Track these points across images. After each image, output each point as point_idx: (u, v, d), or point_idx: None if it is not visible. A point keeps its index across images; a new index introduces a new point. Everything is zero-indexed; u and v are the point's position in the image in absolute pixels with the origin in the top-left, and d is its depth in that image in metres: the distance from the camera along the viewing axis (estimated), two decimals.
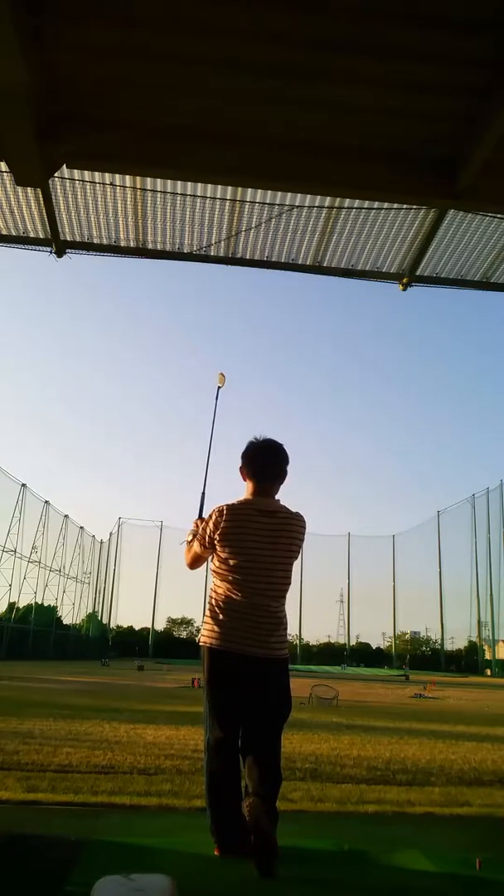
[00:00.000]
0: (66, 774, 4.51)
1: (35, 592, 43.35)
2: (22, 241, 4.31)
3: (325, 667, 51.58)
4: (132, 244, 4.34)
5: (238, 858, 2.73)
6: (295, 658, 62.99)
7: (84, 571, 56.56)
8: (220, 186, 3.82)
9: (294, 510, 3.12)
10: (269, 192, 3.83)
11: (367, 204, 3.91)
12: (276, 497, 3.13)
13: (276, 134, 3.30)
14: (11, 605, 40.37)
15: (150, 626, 68.89)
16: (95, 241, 4.32)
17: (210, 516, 3.07)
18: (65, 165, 3.45)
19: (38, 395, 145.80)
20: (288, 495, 3.18)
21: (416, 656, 64.23)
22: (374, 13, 2.58)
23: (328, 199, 3.88)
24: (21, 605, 42.13)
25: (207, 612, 3.07)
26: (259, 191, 3.85)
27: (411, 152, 3.39)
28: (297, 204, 3.91)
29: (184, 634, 70.78)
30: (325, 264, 4.41)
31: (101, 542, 62.12)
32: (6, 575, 38.52)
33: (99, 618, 62.54)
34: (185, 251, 4.34)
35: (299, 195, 3.83)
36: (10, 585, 38.99)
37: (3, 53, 2.53)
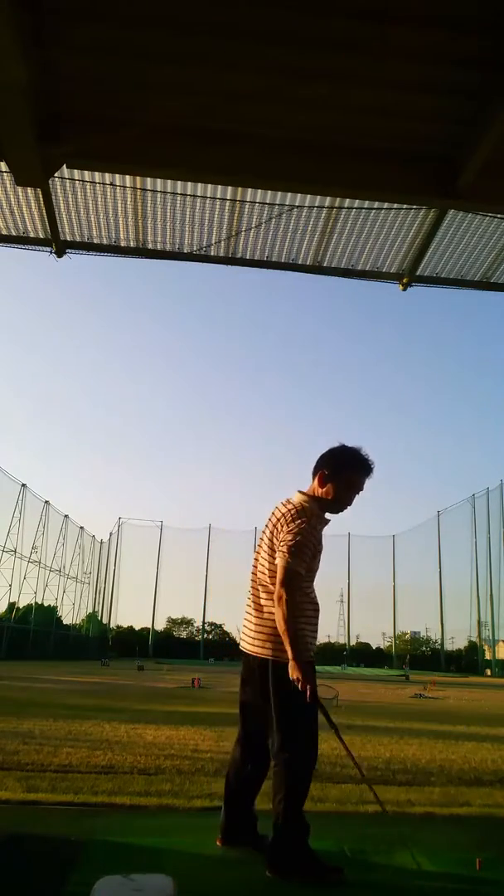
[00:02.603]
0: (66, 774, 4.51)
1: (35, 592, 43.34)
2: (22, 241, 4.31)
3: (325, 667, 51.53)
4: (132, 244, 4.34)
5: (238, 853, 2.75)
6: None
7: (84, 571, 56.55)
8: (220, 186, 3.82)
9: (298, 499, 2.98)
10: (269, 192, 3.83)
11: (367, 204, 3.91)
12: (303, 489, 3.05)
13: (276, 134, 3.30)
14: (11, 605, 40.36)
15: (150, 626, 68.90)
16: (95, 241, 4.32)
17: None
18: (65, 165, 3.45)
19: (38, 395, 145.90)
20: (287, 494, 3.20)
21: (416, 656, 64.15)
22: (374, 13, 2.58)
23: (328, 199, 3.88)
24: (21, 605, 42.12)
25: None
26: (259, 191, 3.85)
27: (411, 152, 3.39)
28: (297, 204, 3.91)
29: (184, 634, 70.76)
30: (325, 264, 4.41)
31: (101, 542, 62.12)
32: (6, 575, 38.52)
33: (99, 618, 62.52)
34: (185, 251, 4.34)
35: (299, 195, 3.83)
36: (10, 585, 38.98)
37: (3, 53, 2.53)
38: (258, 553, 3.04)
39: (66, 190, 3.92)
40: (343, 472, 2.95)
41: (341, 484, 2.95)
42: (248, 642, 2.91)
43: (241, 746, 3.01)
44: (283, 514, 2.91)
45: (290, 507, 2.93)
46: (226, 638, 66.50)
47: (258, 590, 2.94)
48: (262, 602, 2.90)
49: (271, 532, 2.96)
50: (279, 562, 2.74)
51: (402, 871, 2.87)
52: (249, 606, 2.97)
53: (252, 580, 3.00)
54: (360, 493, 3.03)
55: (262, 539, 3.05)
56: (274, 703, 2.78)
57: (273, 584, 2.82)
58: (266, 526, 3.04)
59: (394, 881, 2.77)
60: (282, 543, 2.78)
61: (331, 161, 3.37)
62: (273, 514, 3.02)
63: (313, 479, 3.02)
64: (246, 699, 2.98)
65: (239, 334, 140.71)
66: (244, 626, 2.98)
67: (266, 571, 2.92)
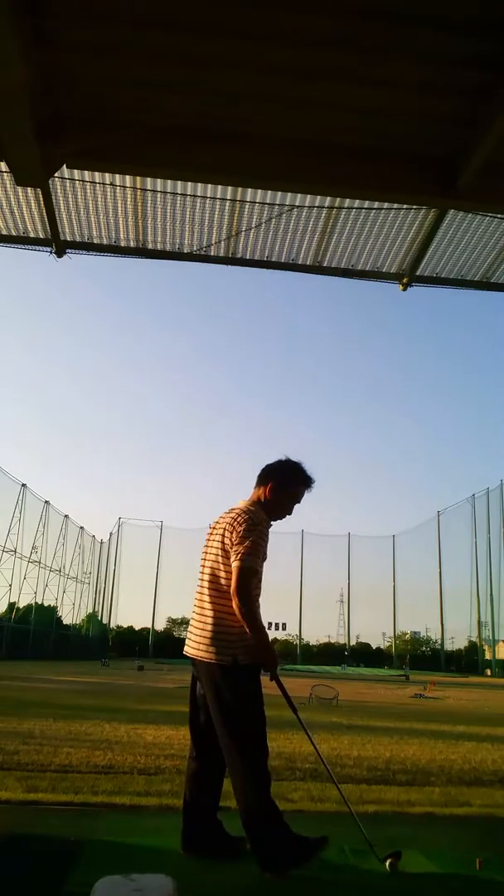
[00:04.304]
0: (66, 774, 4.51)
1: (35, 592, 43.41)
2: (22, 241, 4.31)
3: (325, 667, 51.54)
4: (132, 244, 4.34)
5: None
6: (295, 658, 62.97)
7: (84, 571, 56.63)
8: (220, 186, 3.82)
9: (245, 506, 3.08)
10: (269, 192, 3.83)
11: (367, 204, 3.91)
12: (250, 497, 3.17)
13: (276, 134, 3.30)
14: (11, 605, 40.39)
15: (150, 626, 68.92)
16: (95, 241, 4.32)
17: None
18: (65, 165, 3.45)
19: (39, 396, 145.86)
20: None
21: (417, 656, 64.24)
22: (374, 13, 2.58)
23: (328, 199, 3.88)
24: (21, 605, 42.17)
25: None
26: (259, 191, 3.85)
27: (411, 152, 3.38)
28: (297, 204, 3.91)
29: (184, 634, 70.55)
30: (325, 264, 4.41)
31: (101, 542, 62.20)
32: (6, 575, 38.57)
33: (99, 618, 62.55)
34: (185, 251, 4.34)
35: (299, 195, 3.83)
36: (10, 585, 39.04)
37: (3, 53, 2.53)
38: (204, 560, 3.07)
39: (66, 190, 3.91)
40: (289, 486, 3.16)
41: (286, 495, 3.16)
42: (193, 647, 2.96)
43: (194, 755, 3.05)
44: (234, 519, 2.98)
45: (240, 511, 3.02)
46: None
47: (203, 596, 2.99)
48: (207, 605, 2.95)
49: (221, 538, 2.98)
50: (235, 562, 2.82)
51: (402, 871, 2.87)
52: (195, 611, 3.03)
53: (199, 587, 3.04)
54: (298, 503, 3.24)
55: (208, 547, 3.07)
56: (219, 708, 2.84)
57: (224, 586, 2.90)
58: (212, 534, 3.07)
59: (394, 881, 2.77)
60: (237, 545, 2.87)
61: (331, 161, 3.36)
62: (218, 523, 3.08)
63: (257, 487, 3.18)
64: (196, 703, 3.05)
65: (239, 334, 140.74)
66: (189, 630, 3.05)
67: (217, 574, 2.95)
